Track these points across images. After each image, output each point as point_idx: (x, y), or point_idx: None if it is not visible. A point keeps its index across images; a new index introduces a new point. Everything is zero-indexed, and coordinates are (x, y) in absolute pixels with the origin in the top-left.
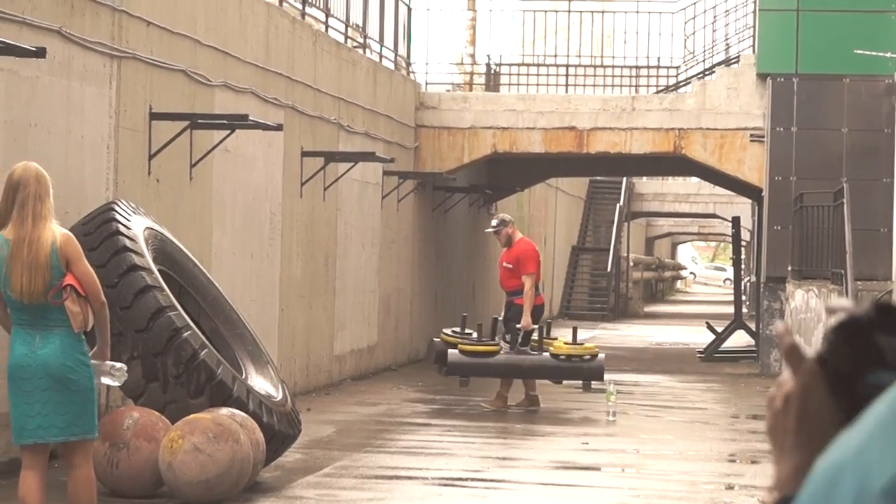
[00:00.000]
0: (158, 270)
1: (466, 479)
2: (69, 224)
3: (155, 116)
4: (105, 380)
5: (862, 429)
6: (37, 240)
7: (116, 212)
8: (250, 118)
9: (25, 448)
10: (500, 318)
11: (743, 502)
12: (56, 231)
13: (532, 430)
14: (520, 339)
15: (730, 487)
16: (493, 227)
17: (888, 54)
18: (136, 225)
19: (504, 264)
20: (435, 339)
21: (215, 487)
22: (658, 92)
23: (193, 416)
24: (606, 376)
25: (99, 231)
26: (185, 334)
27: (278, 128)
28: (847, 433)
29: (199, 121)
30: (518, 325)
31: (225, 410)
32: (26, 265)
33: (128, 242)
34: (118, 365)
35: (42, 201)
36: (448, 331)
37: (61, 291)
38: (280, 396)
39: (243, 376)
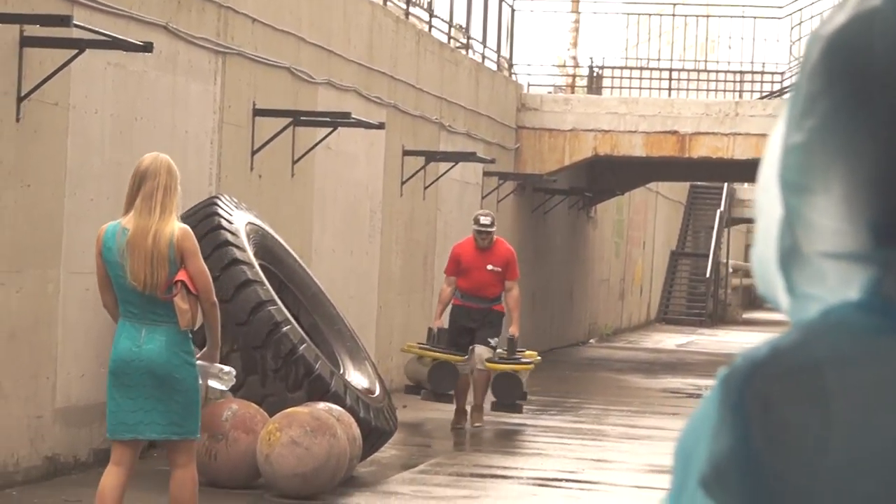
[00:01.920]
0: (259, 265)
1: (561, 480)
2: None
3: (258, 113)
4: (212, 383)
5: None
6: (160, 232)
7: (219, 206)
8: (353, 116)
9: (118, 443)
10: (443, 328)
11: None
12: (175, 225)
13: (628, 433)
14: (512, 348)
15: None
16: (489, 224)
17: None
18: (238, 220)
19: (489, 267)
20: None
21: (311, 481)
22: (762, 98)
23: (291, 409)
24: (706, 381)
25: (201, 225)
26: (285, 329)
27: (380, 126)
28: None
29: (301, 118)
30: (510, 334)
31: (322, 405)
32: (149, 256)
33: (230, 237)
34: (227, 368)
35: (170, 194)
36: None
37: (172, 287)
38: (377, 392)
39: (341, 371)
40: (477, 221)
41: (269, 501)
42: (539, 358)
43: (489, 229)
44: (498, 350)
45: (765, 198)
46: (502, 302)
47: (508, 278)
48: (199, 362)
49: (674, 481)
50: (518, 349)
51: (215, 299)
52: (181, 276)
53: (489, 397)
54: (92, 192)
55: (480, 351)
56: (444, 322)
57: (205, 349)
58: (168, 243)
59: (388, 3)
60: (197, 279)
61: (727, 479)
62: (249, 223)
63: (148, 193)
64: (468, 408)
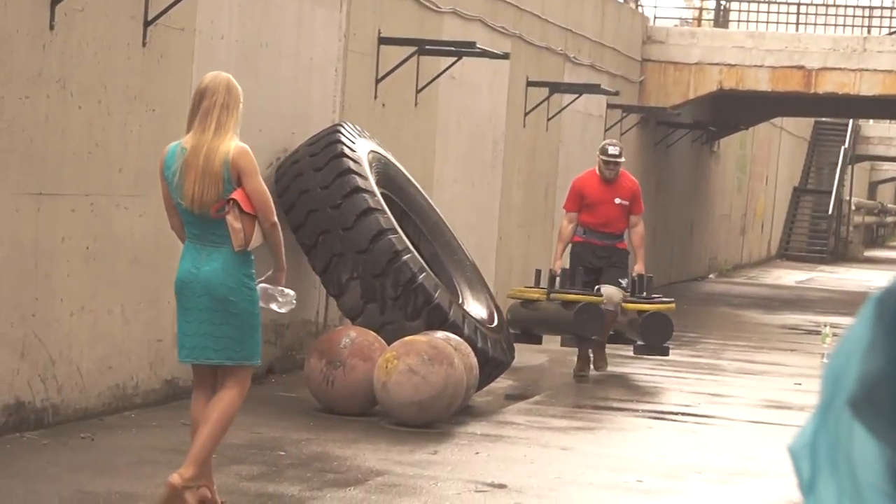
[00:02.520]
0: (381, 193)
1: (677, 414)
2: (296, 144)
3: (383, 41)
4: (272, 305)
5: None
6: (214, 150)
7: (342, 134)
8: (477, 46)
9: (193, 367)
10: (564, 269)
11: None
12: (232, 144)
13: (746, 368)
14: (648, 287)
15: None
16: (618, 154)
17: None
18: (361, 148)
19: (617, 201)
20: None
21: (428, 409)
22: (891, 33)
23: (409, 338)
24: (826, 318)
25: (324, 152)
26: (405, 257)
27: (505, 56)
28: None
29: (426, 47)
30: (636, 273)
31: (440, 334)
32: (200, 174)
33: (352, 164)
34: (287, 291)
35: (229, 112)
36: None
37: (225, 205)
38: (496, 323)
39: (460, 301)
40: (605, 151)
41: (385, 429)
42: (673, 300)
43: (618, 160)
44: (627, 291)
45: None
46: (625, 239)
47: (634, 212)
48: (261, 285)
49: (820, 401)
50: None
51: (275, 220)
52: (235, 194)
53: (617, 342)
54: None
55: (611, 291)
56: (564, 262)
57: (270, 272)
58: (223, 162)
59: None
60: (254, 198)
61: (876, 398)
62: (372, 151)
63: (205, 112)
64: (590, 352)
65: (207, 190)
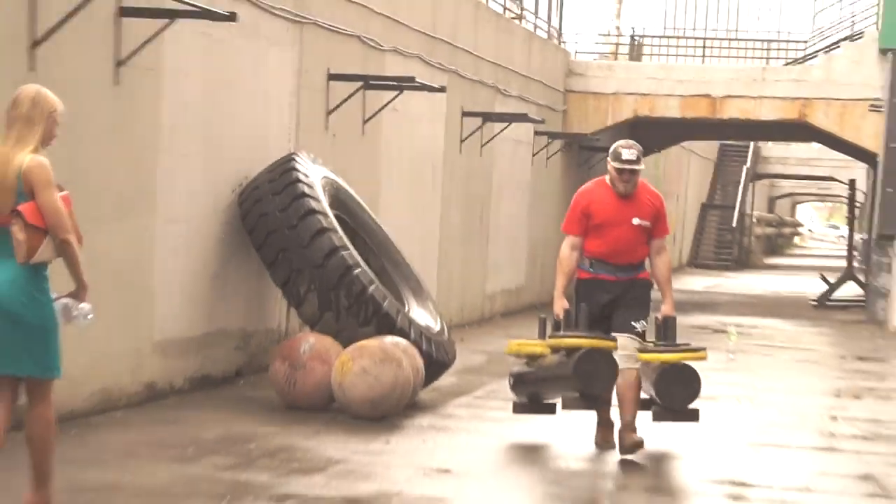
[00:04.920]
0: (334, 215)
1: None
2: (255, 171)
3: (332, 77)
4: (71, 321)
5: None
6: (9, 161)
7: (297, 162)
8: (417, 80)
9: None
10: (580, 305)
11: (845, 432)
12: (28, 157)
13: None
14: (670, 332)
15: (833, 419)
16: (634, 160)
17: None
18: (315, 174)
19: (636, 221)
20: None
21: (380, 405)
22: (786, 64)
23: (362, 342)
24: (731, 318)
25: (281, 178)
26: (356, 271)
27: (442, 90)
28: None
29: (371, 82)
30: (664, 315)
31: (389, 338)
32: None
33: (307, 189)
34: (83, 305)
35: (30, 125)
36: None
37: (11, 217)
38: (438, 328)
39: (406, 309)
40: (617, 156)
41: (343, 422)
42: (704, 348)
43: (635, 166)
44: (648, 338)
45: None
46: (646, 268)
47: (657, 235)
48: (61, 300)
49: None
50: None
51: (67, 236)
52: (23, 207)
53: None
54: (184, 149)
55: (624, 343)
56: (567, 304)
57: (73, 289)
58: (16, 174)
59: None
60: (45, 212)
61: None
62: (325, 177)
63: (10, 123)
64: (615, 420)
65: (2, 201)
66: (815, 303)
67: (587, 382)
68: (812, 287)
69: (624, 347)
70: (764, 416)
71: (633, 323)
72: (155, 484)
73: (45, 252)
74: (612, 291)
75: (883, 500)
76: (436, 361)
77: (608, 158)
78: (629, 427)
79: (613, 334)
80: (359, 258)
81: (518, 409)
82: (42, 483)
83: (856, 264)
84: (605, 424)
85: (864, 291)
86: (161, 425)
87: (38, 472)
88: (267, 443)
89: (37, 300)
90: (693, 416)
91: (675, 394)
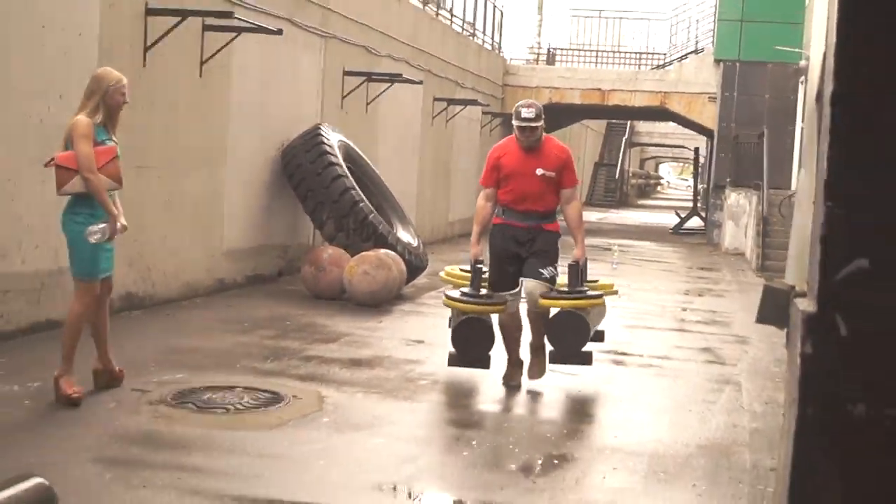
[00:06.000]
0: (346, 167)
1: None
2: (293, 137)
3: (346, 74)
4: (90, 238)
5: None
6: (69, 122)
7: (322, 130)
8: (403, 76)
9: None
10: (480, 260)
11: (692, 318)
12: (76, 118)
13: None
14: (577, 277)
15: (684, 309)
16: (532, 118)
17: (795, 49)
18: (334, 139)
19: (539, 172)
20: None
21: (376, 296)
22: (652, 69)
23: (364, 253)
24: (612, 240)
25: (311, 141)
26: (361, 204)
27: (420, 83)
28: None
29: (372, 77)
30: (573, 260)
31: (383, 251)
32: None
33: (328, 149)
34: (99, 225)
35: (89, 95)
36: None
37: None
38: (416, 244)
39: (394, 231)
40: (518, 115)
41: (350, 308)
42: (616, 290)
43: (533, 124)
44: (559, 282)
45: None
46: (556, 219)
47: (564, 185)
48: (95, 226)
49: None
50: (587, 279)
51: (89, 174)
52: (61, 153)
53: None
54: (245, 121)
55: (532, 286)
56: (482, 251)
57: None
58: (67, 129)
59: (426, 8)
60: (77, 157)
61: None
62: (340, 140)
63: (84, 95)
64: (524, 356)
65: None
66: (671, 231)
67: (462, 348)
68: (669, 220)
69: (532, 293)
70: (637, 307)
71: (540, 269)
72: (222, 348)
73: (73, 186)
74: (521, 239)
75: (717, 366)
76: (414, 267)
77: (512, 117)
78: (539, 351)
79: (525, 281)
80: (363, 196)
81: (452, 360)
82: (63, 358)
83: (699, 205)
84: (513, 365)
85: (704, 223)
86: (226, 308)
87: (63, 348)
88: (298, 321)
89: (70, 221)
90: (585, 359)
91: (566, 339)
